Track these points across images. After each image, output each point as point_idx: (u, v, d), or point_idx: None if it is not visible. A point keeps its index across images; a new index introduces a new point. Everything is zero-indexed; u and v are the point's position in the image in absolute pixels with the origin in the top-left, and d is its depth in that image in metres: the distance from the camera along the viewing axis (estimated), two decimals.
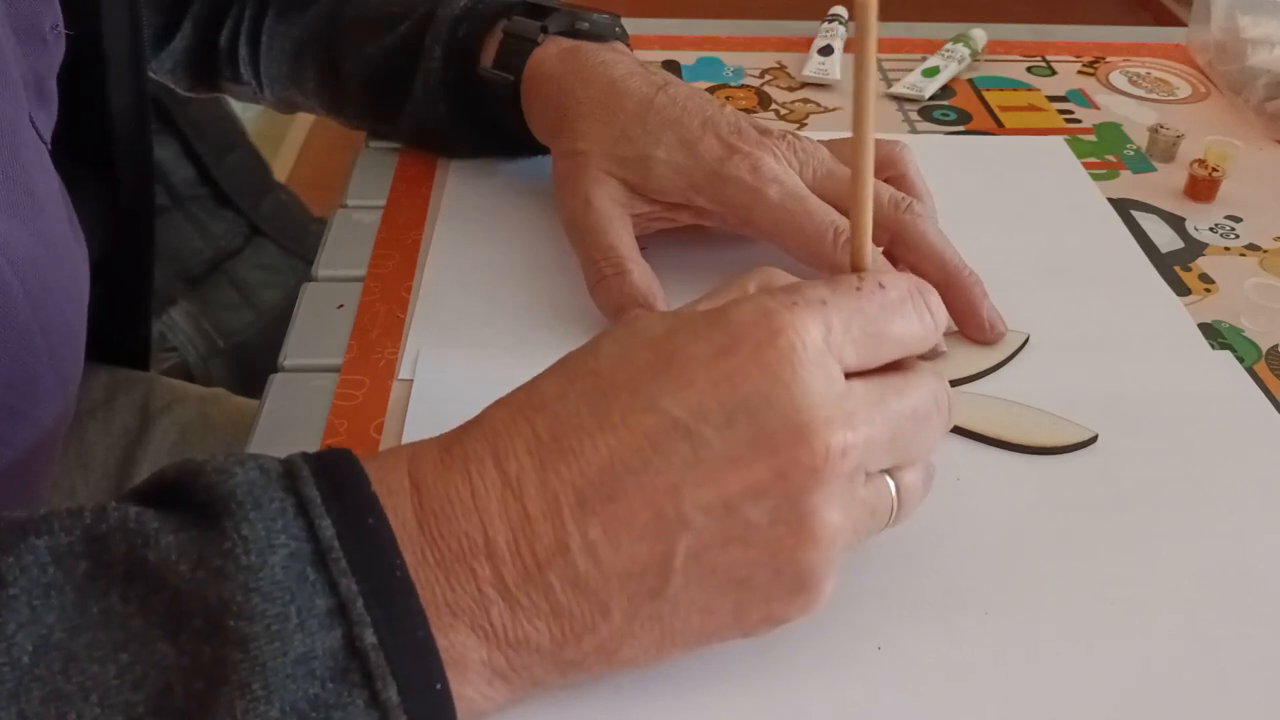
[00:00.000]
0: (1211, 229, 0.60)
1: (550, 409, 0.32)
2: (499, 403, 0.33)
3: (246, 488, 0.29)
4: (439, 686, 0.30)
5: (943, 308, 0.36)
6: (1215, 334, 0.52)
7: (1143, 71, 0.77)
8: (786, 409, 0.31)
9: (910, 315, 0.34)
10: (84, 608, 0.28)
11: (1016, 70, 0.77)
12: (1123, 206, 0.62)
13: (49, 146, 0.46)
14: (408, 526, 0.31)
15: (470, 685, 0.31)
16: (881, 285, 0.34)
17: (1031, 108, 0.72)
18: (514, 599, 0.31)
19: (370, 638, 0.28)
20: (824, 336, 0.32)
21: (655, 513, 0.31)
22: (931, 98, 0.72)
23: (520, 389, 0.34)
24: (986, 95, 0.73)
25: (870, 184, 0.35)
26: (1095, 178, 0.64)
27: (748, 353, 0.31)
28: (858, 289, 0.34)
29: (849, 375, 0.33)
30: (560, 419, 0.32)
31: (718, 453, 0.31)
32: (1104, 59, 0.79)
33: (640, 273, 0.49)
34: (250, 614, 0.28)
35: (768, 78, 0.74)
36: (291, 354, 0.50)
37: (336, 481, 0.30)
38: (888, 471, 0.35)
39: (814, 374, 0.31)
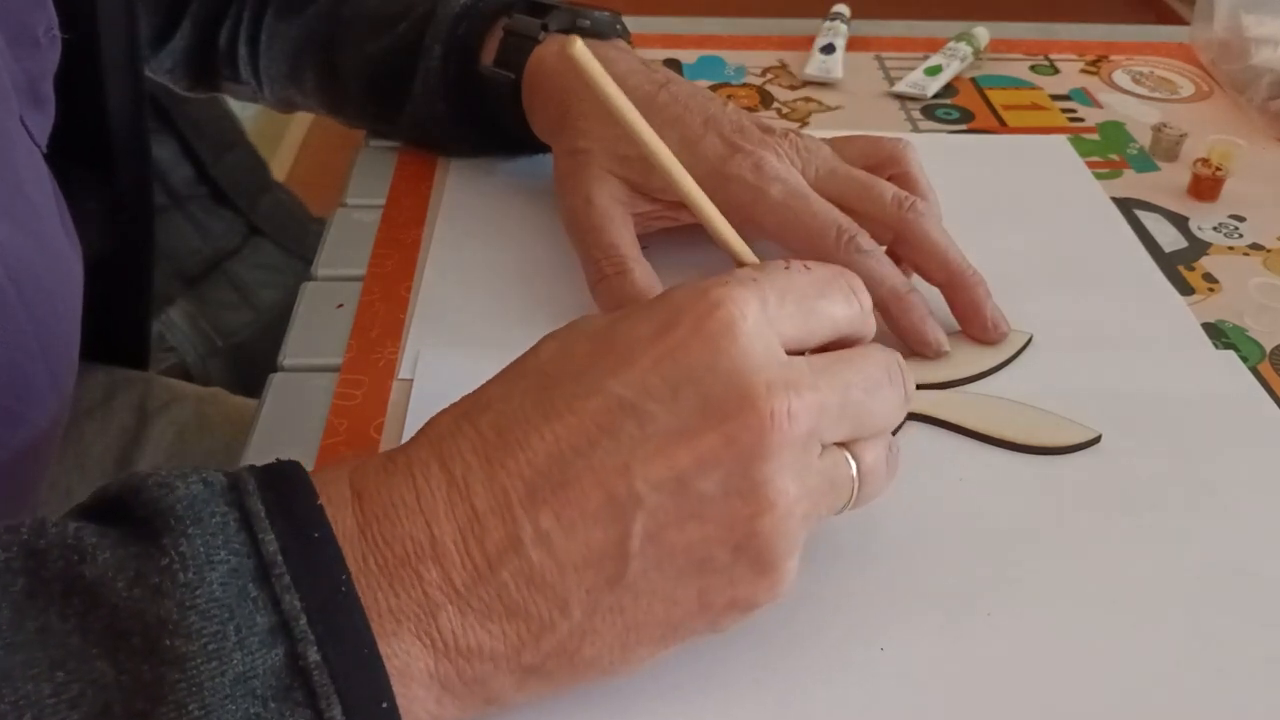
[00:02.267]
0: (1215, 228, 0.60)
1: (495, 408, 0.32)
2: (443, 411, 0.33)
3: (187, 502, 0.29)
4: (385, 705, 0.29)
5: (868, 296, 0.36)
6: (1219, 334, 0.52)
7: (1146, 70, 0.77)
8: (731, 376, 0.31)
9: (838, 295, 0.35)
10: (20, 625, 0.27)
11: (1019, 69, 0.76)
12: (1126, 206, 0.61)
13: (44, 150, 0.46)
14: (349, 534, 0.30)
15: (416, 702, 0.30)
16: (807, 266, 0.35)
17: (1034, 106, 0.72)
18: (464, 602, 0.30)
19: (314, 655, 0.28)
20: (761, 309, 0.32)
21: (607, 494, 0.30)
22: (934, 96, 0.72)
23: (465, 396, 0.33)
24: (989, 94, 0.73)
25: (691, 183, 0.37)
26: (1098, 177, 0.64)
27: (688, 327, 0.31)
28: (786, 268, 0.34)
29: (790, 352, 0.33)
30: (505, 416, 0.31)
31: (665, 426, 0.30)
32: (1107, 58, 0.78)
33: (641, 272, 0.49)
34: (187, 632, 0.27)
35: (769, 76, 0.74)
36: (291, 353, 0.50)
37: (283, 494, 0.30)
38: (847, 448, 0.34)
39: (755, 342, 0.31)
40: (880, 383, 0.34)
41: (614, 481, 0.30)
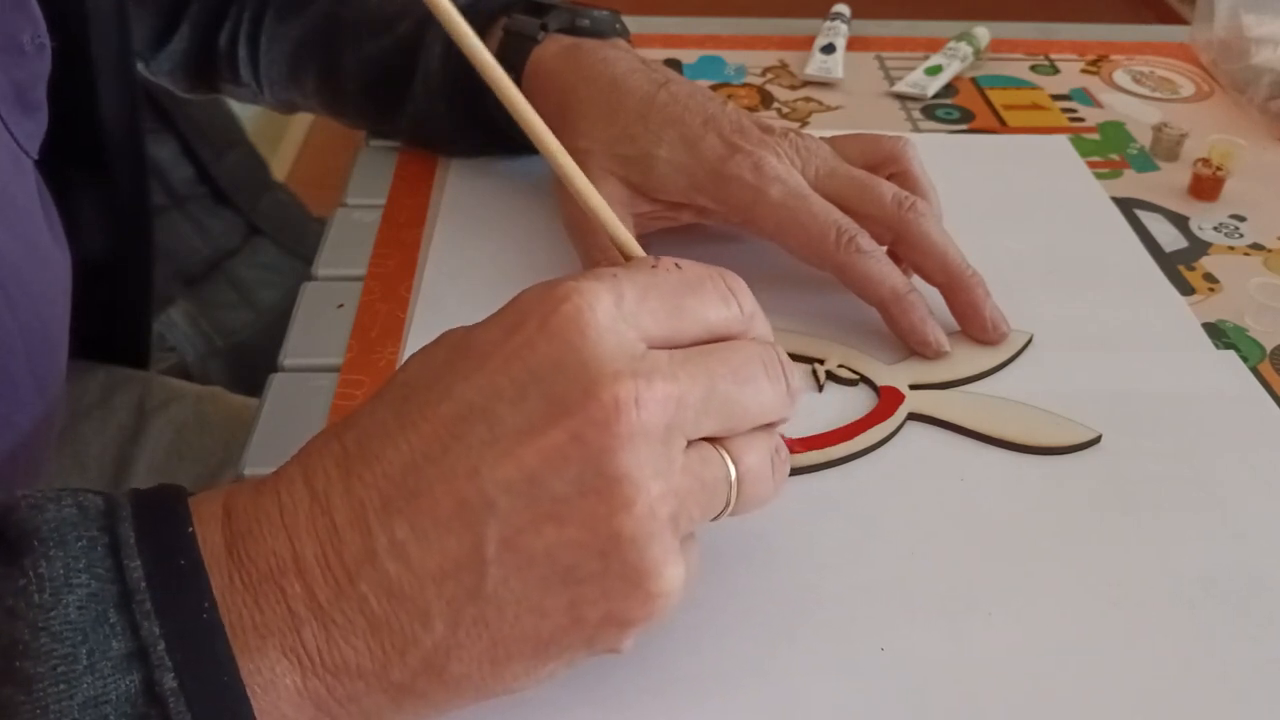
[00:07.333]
0: (1215, 228, 0.60)
1: (359, 424, 0.31)
2: (317, 433, 0.33)
3: (54, 524, 0.28)
4: None
5: (748, 295, 0.34)
6: (1219, 334, 0.52)
7: (1146, 70, 0.77)
8: (575, 370, 0.30)
9: (711, 295, 0.33)
10: None
11: (1020, 69, 0.76)
12: (1126, 205, 0.61)
13: (34, 157, 0.46)
14: (216, 552, 0.29)
15: None
16: (678, 265, 0.33)
17: (1035, 106, 0.72)
18: (328, 616, 0.29)
19: (170, 682, 0.27)
20: (615, 303, 0.31)
21: (459, 500, 0.29)
22: (934, 96, 0.72)
23: (339, 419, 0.33)
24: (990, 94, 0.73)
25: (583, 181, 0.36)
26: (1099, 176, 0.64)
27: (535, 325, 0.30)
28: (653, 266, 0.33)
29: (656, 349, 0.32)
30: (367, 430, 0.31)
31: (512, 427, 0.29)
32: (1108, 57, 0.78)
33: None
34: (37, 654, 0.26)
35: (770, 76, 0.74)
36: (291, 354, 0.50)
37: (156, 521, 0.29)
38: (723, 447, 0.33)
39: (604, 335, 0.30)
40: (754, 375, 0.33)
41: (464, 487, 0.29)
